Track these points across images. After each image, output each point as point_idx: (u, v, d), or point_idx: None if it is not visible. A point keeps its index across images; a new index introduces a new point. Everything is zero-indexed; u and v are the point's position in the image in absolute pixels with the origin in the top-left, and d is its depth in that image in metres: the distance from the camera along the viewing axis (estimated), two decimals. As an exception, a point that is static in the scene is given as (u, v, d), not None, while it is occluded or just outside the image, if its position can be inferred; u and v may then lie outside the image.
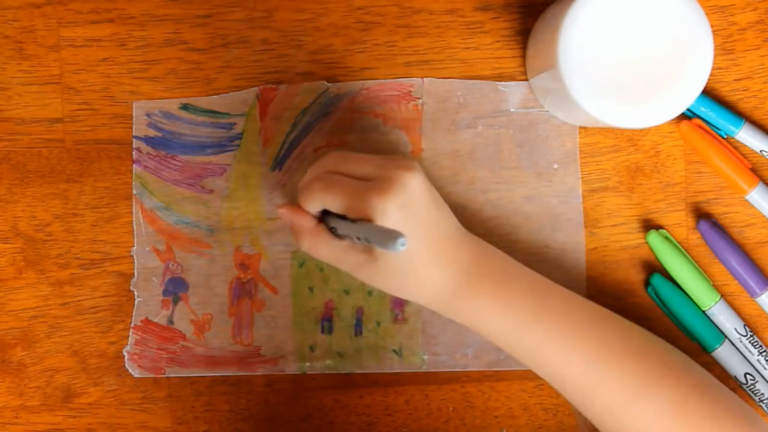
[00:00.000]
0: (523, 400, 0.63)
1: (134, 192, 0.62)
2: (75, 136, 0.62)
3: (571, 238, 0.63)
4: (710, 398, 0.55)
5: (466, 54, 0.62)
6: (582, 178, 0.63)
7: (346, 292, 0.63)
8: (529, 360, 0.57)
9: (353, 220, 0.55)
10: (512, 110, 0.63)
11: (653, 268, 0.63)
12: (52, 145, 0.62)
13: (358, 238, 0.53)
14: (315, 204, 0.56)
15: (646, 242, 0.62)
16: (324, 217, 0.58)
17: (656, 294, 0.62)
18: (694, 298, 0.62)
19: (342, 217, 0.56)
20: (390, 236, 0.47)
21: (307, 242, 0.57)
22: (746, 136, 0.62)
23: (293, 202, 0.61)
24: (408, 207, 0.54)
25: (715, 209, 0.63)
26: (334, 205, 0.55)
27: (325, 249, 0.56)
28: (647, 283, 0.63)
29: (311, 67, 0.62)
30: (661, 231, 0.62)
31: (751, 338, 0.62)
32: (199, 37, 0.62)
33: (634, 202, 0.63)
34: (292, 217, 0.57)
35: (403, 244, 0.47)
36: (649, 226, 0.63)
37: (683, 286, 0.62)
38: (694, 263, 0.62)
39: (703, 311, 0.62)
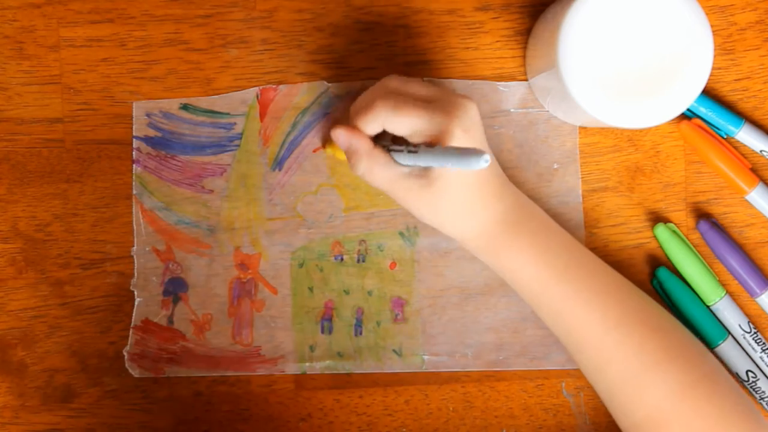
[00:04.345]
0: (523, 400, 0.63)
1: (134, 192, 0.62)
2: (75, 136, 0.62)
3: (571, 238, 0.63)
4: (720, 389, 0.55)
5: (466, 54, 0.62)
6: (582, 178, 0.63)
7: (346, 292, 0.63)
8: (551, 315, 0.57)
9: (415, 145, 0.54)
10: (512, 110, 0.63)
11: (653, 268, 0.63)
12: (52, 145, 0.62)
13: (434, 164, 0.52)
14: (376, 125, 0.55)
15: (653, 235, 0.62)
16: (377, 140, 0.56)
17: (661, 287, 0.62)
18: (699, 292, 0.62)
19: (400, 142, 0.55)
20: (473, 153, 0.47)
21: (365, 165, 0.55)
22: (746, 136, 0.62)
23: (295, 198, 0.61)
24: (470, 132, 0.54)
25: (715, 209, 0.63)
26: (401, 126, 0.54)
27: (382, 173, 0.55)
28: (647, 282, 0.63)
29: (311, 67, 0.62)
30: (669, 224, 0.62)
31: (755, 335, 0.62)
32: (199, 37, 0.62)
33: (634, 202, 0.63)
34: (349, 138, 0.55)
35: (486, 161, 0.47)
36: (649, 226, 0.63)
37: (689, 281, 0.62)
38: (701, 258, 0.62)
39: (708, 306, 0.62)
